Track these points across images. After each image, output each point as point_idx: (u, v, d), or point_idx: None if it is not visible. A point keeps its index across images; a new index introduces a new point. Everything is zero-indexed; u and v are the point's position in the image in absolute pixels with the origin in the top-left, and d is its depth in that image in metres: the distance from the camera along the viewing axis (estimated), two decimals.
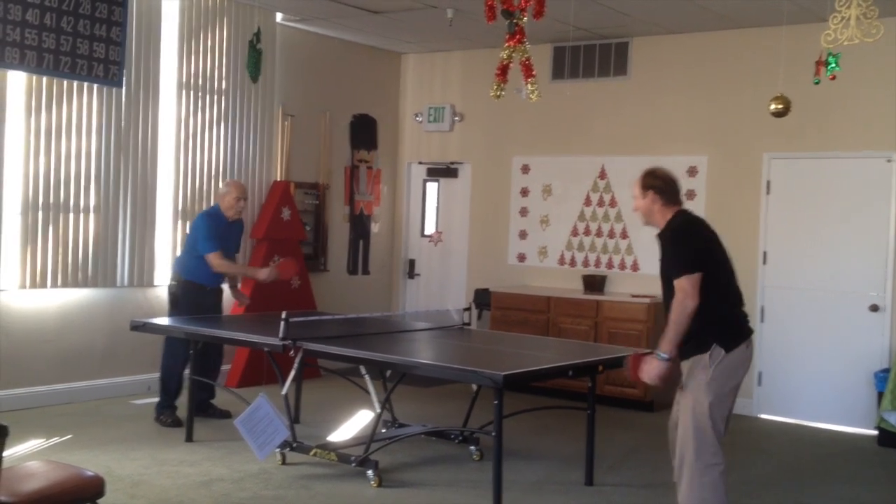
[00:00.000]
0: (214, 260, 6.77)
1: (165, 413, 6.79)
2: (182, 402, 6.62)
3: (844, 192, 7.64)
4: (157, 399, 6.92)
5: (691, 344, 4.30)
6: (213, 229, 6.81)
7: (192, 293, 6.85)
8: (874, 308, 7.47)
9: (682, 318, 4.19)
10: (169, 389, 6.84)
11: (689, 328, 4.23)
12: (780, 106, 5.94)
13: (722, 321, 4.33)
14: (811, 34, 5.07)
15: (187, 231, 7.61)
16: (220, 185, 8.03)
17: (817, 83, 5.32)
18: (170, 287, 7.01)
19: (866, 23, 4.43)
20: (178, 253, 7.52)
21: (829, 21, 4.58)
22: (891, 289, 7.41)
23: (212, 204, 7.74)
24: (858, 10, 4.39)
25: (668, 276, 4.39)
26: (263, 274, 6.97)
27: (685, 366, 4.43)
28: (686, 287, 4.20)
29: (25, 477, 3.65)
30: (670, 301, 4.36)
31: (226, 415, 6.96)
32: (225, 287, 7.25)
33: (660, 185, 4.47)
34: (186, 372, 6.71)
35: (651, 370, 4.27)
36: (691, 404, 4.32)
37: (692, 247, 4.33)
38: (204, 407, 7.02)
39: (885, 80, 7.41)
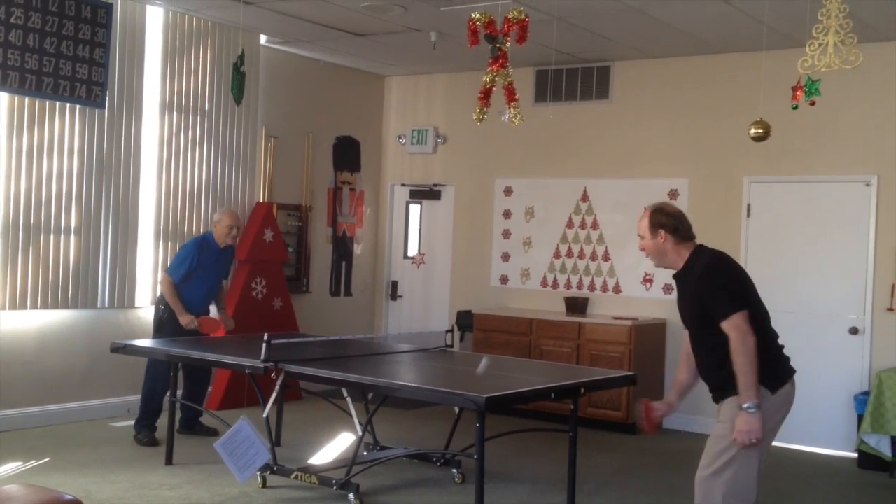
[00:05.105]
0: (165, 282, 6.89)
1: (143, 432, 6.79)
2: (163, 424, 6.57)
3: (824, 216, 7.71)
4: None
5: (731, 386, 3.86)
6: (191, 259, 6.89)
7: (177, 318, 6.84)
8: (854, 331, 7.52)
9: (752, 358, 3.78)
10: (149, 410, 6.83)
11: (729, 370, 3.85)
12: (759, 130, 5.97)
13: (765, 362, 3.86)
14: (791, 59, 5.09)
15: (172, 253, 7.71)
16: (206, 208, 8.23)
17: (795, 108, 5.36)
18: (157, 310, 7.03)
19: (845, 49, 4.45)
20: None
21: (807, 48, 4.60)
22: (870, 311, 7.46)
23: (201, 229, 8.06)
24: (836, 37, 4.41)
25: (697, 322, 4.02)
26: (184, 319, 6.84)
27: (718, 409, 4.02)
28: (740, 324, 3.81)
29: (2, 501, 3.61)
30: (701, 350, 4.04)
31: (212, 432, 6.96)
32: (213, 309, 7.26)
33: (671, 222, 4.05)
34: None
35: (750, 427, 3.78)
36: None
37: (734, 283, 3.97)
38: (191, 424, 7.11)
39: (864, 104, 7.50)
